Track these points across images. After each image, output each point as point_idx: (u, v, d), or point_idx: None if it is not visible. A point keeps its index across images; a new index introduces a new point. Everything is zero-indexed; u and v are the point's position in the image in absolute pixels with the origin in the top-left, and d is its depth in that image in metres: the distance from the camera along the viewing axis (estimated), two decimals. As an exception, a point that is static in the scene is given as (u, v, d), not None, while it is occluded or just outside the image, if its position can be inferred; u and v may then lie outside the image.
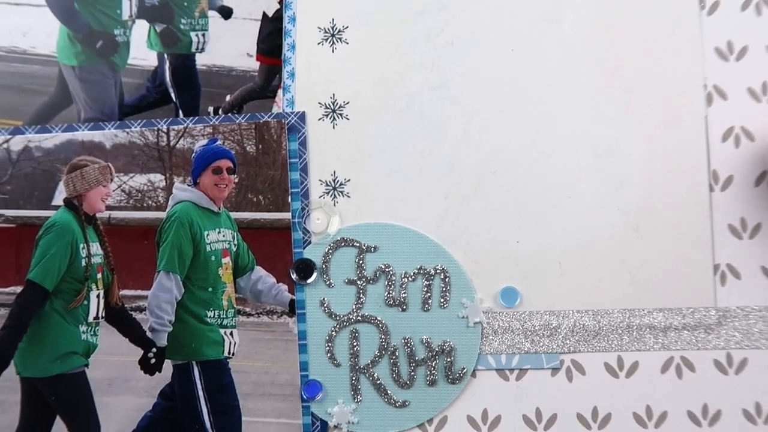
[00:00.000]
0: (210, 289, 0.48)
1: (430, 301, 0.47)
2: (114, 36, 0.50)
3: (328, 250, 0.48)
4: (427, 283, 0.47)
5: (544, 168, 0.48)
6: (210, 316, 0.48)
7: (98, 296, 0.48)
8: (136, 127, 0.48)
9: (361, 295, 0.48)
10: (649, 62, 0.48)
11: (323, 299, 0.48)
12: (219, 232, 0.48)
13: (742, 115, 0.48)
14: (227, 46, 0.50)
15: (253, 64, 0.49)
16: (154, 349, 0.48)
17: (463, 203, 0.48)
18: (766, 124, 0.48)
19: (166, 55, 0.50)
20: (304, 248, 0.48)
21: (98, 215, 0.49)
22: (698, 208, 0.47)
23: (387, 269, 0.48)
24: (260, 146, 0.48)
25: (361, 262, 0.48)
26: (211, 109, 0.50)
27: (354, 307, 0.48)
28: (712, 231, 0.47)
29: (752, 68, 0.48)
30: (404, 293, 0.48)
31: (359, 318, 0.48)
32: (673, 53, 0.48)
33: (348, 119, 0.49)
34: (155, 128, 0.48)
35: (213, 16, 0.50)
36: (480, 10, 0.49)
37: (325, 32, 0.49)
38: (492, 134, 0.48)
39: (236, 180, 0.48)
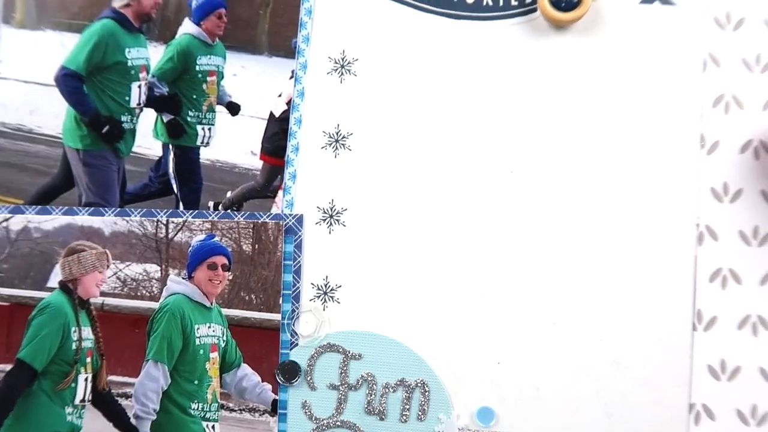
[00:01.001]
0: (196, 382, 0.49)
1: (408, 413, 0.49)
2: (121, 122, 0.50)
3: (314, 354, 0.50)
4: (407, 395, 0.49)
5: (530, 293, 0.49)
6: (194, 408, 0.49)
7: (86, 380, 0.49)
8: (135, 216, 0.49)
9: (343, 401, 0.49)
10: (639, 200, 0.49)
11: (305, 401, 0.50)
12: (209, 327, 0.49)
13: (731, 257, 0.49)
14: (232, 143, 0.50)
15: (256, 163, 0.51)
16: (137, 435, 0.49)
17: (449, 320, 0.49)
18: (753, 267, 0.49)
19: (171, 146, 0.51)
20: (291, 350, 0.49)
21: (92, 300, 0.50)
22: (680, 346, 0.49)
23: (369, 378, 0.49)
24: (256, 246, 0.50)
25: (345, 368, 0.49)
26: (211, 204, 0.51)
27: (335, 411, 0.49)
28: (691, 370, 0.48)
29: (744, 211, 0.50)
30: (384, 403, 0.49)
31: (339, 423, 0.50)
32: (669, 192, 0.49)
33: (344, 226, 0.50)
34: (155, 219, 0.49)
35: (221, 111, 0.51)
36: (481, 133, 0.50)
37: (330, 137, 0.51)
38: (484, 255, 0.50)
39: (230, 277, 0.49)
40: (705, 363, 0.51)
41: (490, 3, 0.53)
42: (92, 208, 0.52)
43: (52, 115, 0.53)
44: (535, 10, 0.53)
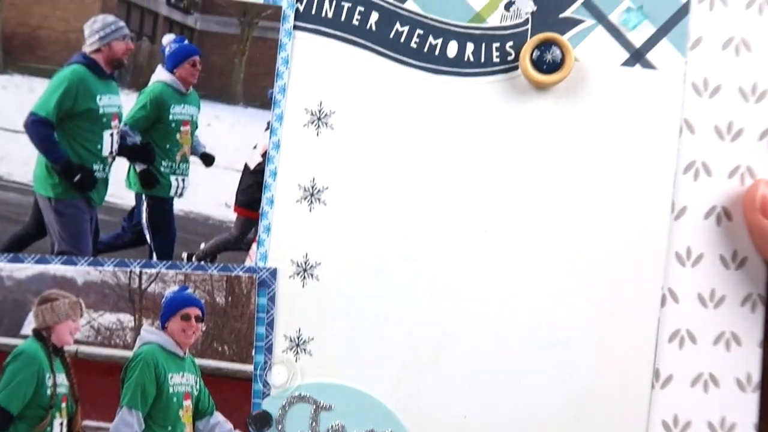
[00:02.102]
0: (169, 428, 0.51)
1: (376, 462, 0.51)
2: (93, 171, 0.50)
3: (285, 404, 0.51)
4: (376, 445, 0.51)
5: (498, 350, 0.51)
6: (167, 452, 0.50)
7: (62, 424, 0.51)
8: (108, 266, 0.49)
9: (313, 450, 0.51)
10: (610, 264, 0.50)
11: (276, 449, 0.51)
12: (182, 376, 0.50)
13: (689, 318, 0.51)
14: (206, 194, 0.50)
15: (230, 215, 0.51)
16: (111, 478, 0.50)
17: (418, 373, 0.52)
18: (708, 328, 0.51)
19: (144, 196, 0.50)
20: (262, 400, 0.50)
21: (66, 348, 0.50)
22: (638, 404, 0.51)
23: (339, 428, 0.51)
24: (230, 298, 0.50)
25: (315, 419, 0.51)
26: (185, 255, 0.51)
27: (304, 459, 0.51)
28: (647, 427, 0.50)
29: (703, 275, 0.51)
30: (353, 452, 0.51)
31: (309, 469, 0.51)
32: (636, 257, 0.50)
33: (318, 280, 0.51)
34: (128, 269, 0.49)
35: (194, 162, 0.50)
36: (457, 191, 0.50)
37: (305, 191, 0.51)
38: (452, 312, 0.51)
39: (203, 328, 0.50)
40: (660, 419, 0.54)
41: (472, 59, 0.52)
42: (65, 257, 0.52)
43: (22, 162, 0.52)
44: (517, 67, 0.53)
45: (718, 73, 0.54)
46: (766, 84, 0.54)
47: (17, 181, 0.53)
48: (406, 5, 0.54)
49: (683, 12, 0.54)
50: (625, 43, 0.54)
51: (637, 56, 0.54)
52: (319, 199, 0.54)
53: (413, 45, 0.53)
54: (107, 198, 0.53)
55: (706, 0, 0.54)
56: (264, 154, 0.53)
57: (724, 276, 0.55)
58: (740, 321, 0.55)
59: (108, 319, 0.54)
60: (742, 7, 0.54)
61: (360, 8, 0.53)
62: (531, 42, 0.52)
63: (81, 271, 0.53)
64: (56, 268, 0.53)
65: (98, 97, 0.52)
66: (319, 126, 0.54)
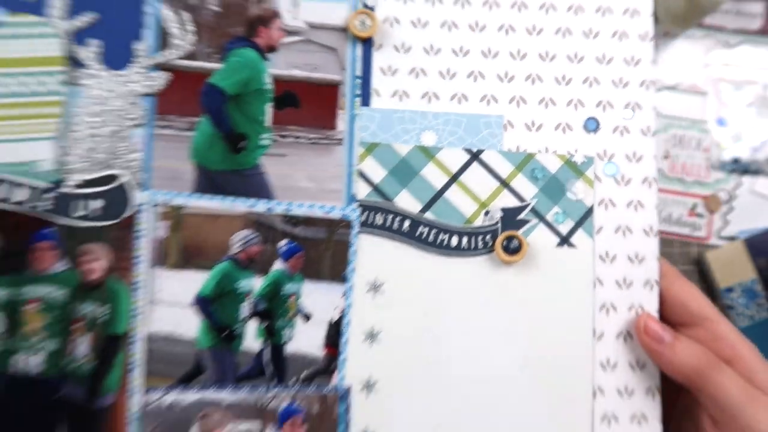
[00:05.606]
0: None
1: None
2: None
3: (361, 478, 0.75)
4: None
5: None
6: None
7: None
8: (244, 392, 0.74)
9: None
10: (545, 363, 0.80)
11: None
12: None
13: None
14: (306, 340, 0.78)
15: (321, 353, 0.77)
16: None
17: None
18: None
19: (267, 343, 0.77)
20: (346, 475, 0.75)
21: (216, 448, 0.74)
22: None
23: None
24: (321, 408, 0.75)
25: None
26: (294, 379, 0.76)
27: None
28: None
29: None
30: None
31: None
32: (566, 366, 0.79)
33: (377, 393, 0.77)
34: (257, 392, 0.74)
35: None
36: (459, 333, 0.79)
37: (367, 334, 0.79)
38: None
39: (306, 428, 0.75)
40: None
41: (466, 246, 0.84)
42: (217, 386, 0.77)
43: (189, 328, 0.79)
44: (493, 250, 0.84)
45: (614, 247, 0.87)
46: (644, 253, 0.87)
47: (184, 337, 0.79)
48: (426, 216, 0.86)
49: (590, 212, 0.87)
50: (556, 232, 0.87)
51: (564, 240, 0.86)
52: (376, 338, 0.82)
53: (431, 239, 0.85)
54: (241, 348, 0.80)
55: (602, 205, 0.88)
56: (341, 312, 0.81)
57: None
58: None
59: (244, 426, 0.78)
60: (624, 207, 0.88)
61: (398, 218, 0.84)
62: (501, 237, 0.84)
63: (226, 395, 0.78)
64: (210, 394, 0.78)
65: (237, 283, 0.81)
66: (375, 292, 0.83)
